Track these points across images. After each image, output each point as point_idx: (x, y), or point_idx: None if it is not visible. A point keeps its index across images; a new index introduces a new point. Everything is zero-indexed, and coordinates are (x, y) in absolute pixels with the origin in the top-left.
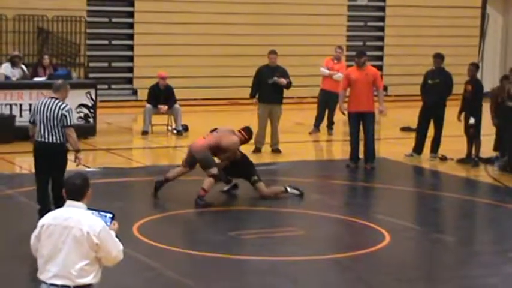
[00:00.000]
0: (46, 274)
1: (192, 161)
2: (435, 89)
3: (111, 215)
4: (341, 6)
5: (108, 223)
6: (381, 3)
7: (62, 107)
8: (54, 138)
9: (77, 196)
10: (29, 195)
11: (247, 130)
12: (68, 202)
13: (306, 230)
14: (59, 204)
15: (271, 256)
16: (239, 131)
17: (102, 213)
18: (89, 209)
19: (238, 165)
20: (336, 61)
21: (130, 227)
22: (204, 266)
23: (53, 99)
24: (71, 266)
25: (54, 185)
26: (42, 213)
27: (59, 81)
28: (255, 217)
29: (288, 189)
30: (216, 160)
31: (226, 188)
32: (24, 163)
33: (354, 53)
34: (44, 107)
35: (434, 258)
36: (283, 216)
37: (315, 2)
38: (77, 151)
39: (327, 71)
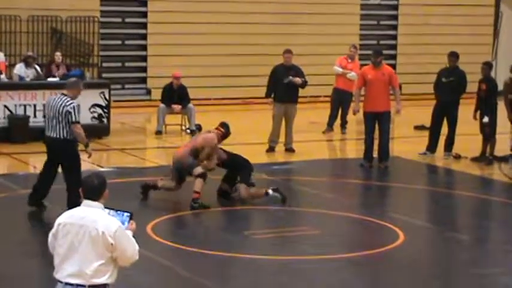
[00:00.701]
0: (61, 273)
1: (178, 173)
2: (449, 88)
3: (128, 214)
4: (354, 5)
5: (126, 222)
6: (393, 2)
7: (67, 104)
8: (57, 133)
9: (94, 196)
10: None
11: (223, 125)
12: (85, 202)
13: (320, 229)
14: (72, 203)
15: (286, 255)
16: (216, 128)
17: (119, 212)
18: (106, 207)
19: (229, 166)
20: (350, 60)
21: (144, 226)
22: (219, 266)
23: (63, 96)
24: (86, 265)
25: (67, 185)
26: (30, 198)
27: (73, 79)
28: (269, 216)
29: (270, 192)
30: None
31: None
32: (38, 163)
33: (367, 52)
34: (52, 103)
35: (448, 256)
36: (298, 216)
37: (328, 1)
38: (86, 145)
39: (340, 70)
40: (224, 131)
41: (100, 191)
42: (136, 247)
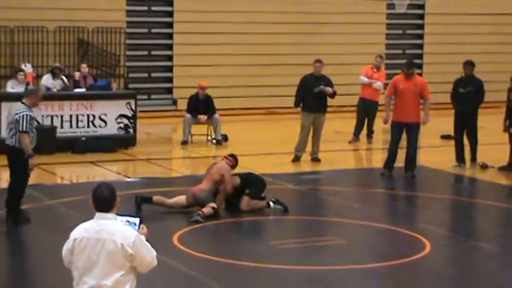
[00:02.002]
0: (82, 286)
1: (194, 202)
2: (467, 98)
3: (138, 220)
4: (380, 15)
5: (137, 228)
6: (419, 11)
7: (18, 112)
8: (10, 140)
9: (106, 208)
10: (69, 205)
11: (231, 156)
12: (98, 214)
13: (347, 239)
14: (8, 208)
15: (312, 265)
16: (223, 157)
17: (129, 219)
18: (116, 215)
19: (242, 186)
20: (375, 70)
21: (171, 237)
22: (245, 276)
23: (20, 104)
24: (107, 277)
25: (8, 189)
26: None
27: (32, 87)
28: (295, 226)
29: (271, 204)
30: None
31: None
32: (65, 174)
33: (393, 62)
34: (10, 110)
35: (475, 267)
36: (324, 226)
37: (354, 11)
38: (29, 157)
39: (366, 80)
40: (233, 161)
41: (112, 202)
42: (154, 253)
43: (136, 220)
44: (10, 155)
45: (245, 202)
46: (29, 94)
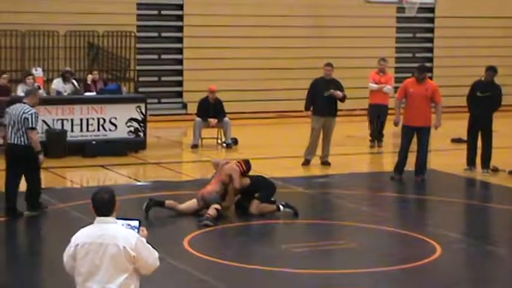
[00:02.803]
0: None
1: (204, 205)
2: (484, 102)
3: (137, 223)
4: (390, 18)
5: (137, 230)
6: (430, 15)
7: (26, 111)
8: (19, 140)
9: (107, 211)
10: (80, 209)
11: (244, 161)
12: (98, 218)
13: (357, 243)
14: (31, 203)
15: (323, 269)
16: (237, 161)
17: (129, 222)
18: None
19: (252, 188)
20: (381, 74)
21: (181, 240)
22: (257, 280)
23: (22, 104)
24: (111, 281)
25: (29, 184)
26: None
27: (30, 87)
28: (306, 230)
29: (281, 208)
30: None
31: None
32: (76, 177)
33: (402, 65)
34: (13, 111)
35: (486, 270)
36: (335, 229)
37: (363, 15)
38: (38, 152)
39: (375, 86)
40: (244, 168)
41: (112, 206)
42: (156, 254)
43: (136, 223)
44: (21, 154)
45: (254, 205)
46: (29, 94)
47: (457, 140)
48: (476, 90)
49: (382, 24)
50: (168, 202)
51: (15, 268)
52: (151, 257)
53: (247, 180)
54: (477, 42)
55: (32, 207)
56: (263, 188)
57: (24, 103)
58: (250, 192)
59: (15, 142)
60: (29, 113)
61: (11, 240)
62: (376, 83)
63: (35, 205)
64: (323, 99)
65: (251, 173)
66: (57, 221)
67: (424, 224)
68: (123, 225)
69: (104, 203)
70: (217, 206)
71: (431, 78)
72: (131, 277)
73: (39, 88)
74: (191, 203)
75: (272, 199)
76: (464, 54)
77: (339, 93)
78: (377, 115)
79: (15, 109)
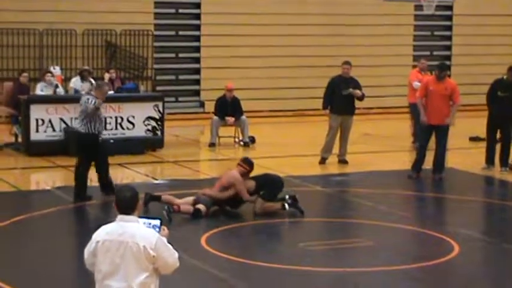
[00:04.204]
0: None
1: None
2: (505, 102)
3: (158, 222)
4: (408, 16)
5: (158, 229)
6: (448, 12)
7: (87, 100)
8: (84, 128)
9: (129, 210)
10: (98, 207)
11: (245, 161)
12: (120, 216)
13: (375, 241)
14: (104, 184)
15: (341, 267)
16: (238, 164)
17: (150, 221)
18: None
19: (257, 189)
20: (423, 72)
21: (199, 239)
22: (274, 278)
23: (87, 95)
24: (131, 280)
25: (98, 170)
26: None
27: (100, 82)
28: (323, 228)
29: (286, 207)
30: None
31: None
32: (94, 175)
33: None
34: (81, 102)
35: (504, 269)
36: (352, 227)
37: (381, 12)
38: (96, 106)
39: (419, 84)
40: (248, 168)
41: (134, 204)
42: (176, 254)
43: (157, 222)
44: (83, 142)
45: (258, 205)
46: (97, 87)
47: (475, 139)
48: (497, 89)
49: (399, 22)
50: (164, 197)
51: (31, 266)
52: (171, 257)
53: (252, 184)
54: (495, 40)
55: (108, 190)
56: (266, 186)
57: (91, 95)
58: (256, 192)
59: (83, 131)
60: (91, 99)
61: (29, 238)
62: (419, 82)
63: (111, 187)
64: (341, 98)
65: (266, 171)
66: (74, 219)
67: (442, 222)
68: (144, 223)
69: (126, 201)
70: (201, 207)
71: (449, 76)
72: (151, 276)
73: (57, 86)
74: (188, 200)
75: (279, 196)
76: (483, 52)
77: (358, 92)
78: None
79: (81, 99)
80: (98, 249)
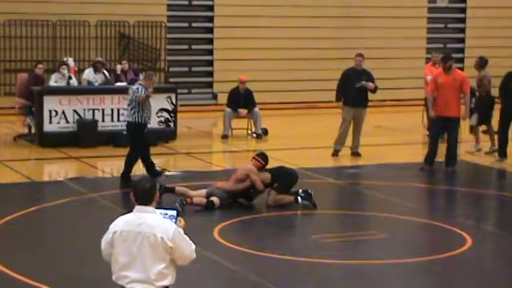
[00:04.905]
0: (124, 279)
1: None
2: None
3: (175, 213)
4: (421, 9)
5: (174, 220)
6: (461, 5)
7: (137, 88)
8: (133, 117)
9: (147, 201)
10: (111, 198)
11: (260, 156)
12: (138, 207)
13: (388, 234)
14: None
15: (353, 260)
16: (253, 157)
17: (167, 211)
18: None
19: (272, 181)
20: (437, 66)
21: (211, 230)
22: (287, 270)
23: (136, 84)
24: (149, 270)
25: (146, 160)
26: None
27: (149, 72)
28: (336, 220)
29: (299, 200)
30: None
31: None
32: (107, 167)
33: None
34: (129, 91)
35: None
36: (365, 220)
37: (394, 5)
38: (146, 96)
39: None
40: (263, 162)
41: (152, 195)
42: (193, 246)
43: (174, 212)
44: (132, 131)
45: (271, 197)
46: (145, 77)
47: (487, 131)
48: (509, 82)
49: (413, 15)
50: (178, 189)
51: (44, 257)
52: (188, 248)
53: (267, 176)
54: (509, 33)
55: (155, 174)
56: (280, 179)
57: (140, 85)
58: (271, 185)
59: (131, 120)
60: (140, 89)
61: (42, 229)
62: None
63: (156, 172)
64: (354, 90)
65: (279, 163)
66: (88, 210)
67: (454, 215)
68: (160, 214)
69: (144, 192)
70: (215, 199)
71: (462, 69)
72: (168, 267)
73: (70, 78)
74: (201, 192)
75: (293, 190)
76: (496, 45)
77: (371, 84)
78: None
79: (130, 89)
80: (115, 240)
